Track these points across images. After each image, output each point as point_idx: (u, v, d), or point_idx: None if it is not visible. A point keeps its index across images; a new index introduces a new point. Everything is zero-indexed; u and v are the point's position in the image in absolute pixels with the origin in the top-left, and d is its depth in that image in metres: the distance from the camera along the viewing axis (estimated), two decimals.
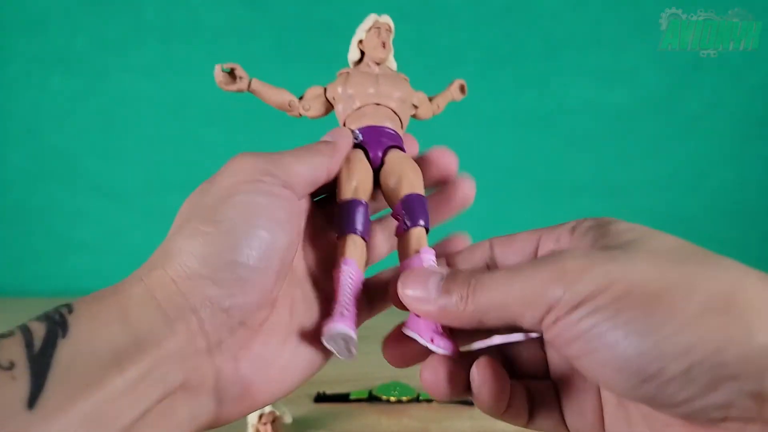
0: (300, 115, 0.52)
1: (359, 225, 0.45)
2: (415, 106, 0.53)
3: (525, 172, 1.49)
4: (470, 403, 0.86)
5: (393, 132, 0.49)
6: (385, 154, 0.48)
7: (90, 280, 1.46)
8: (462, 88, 0.56)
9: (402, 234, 0.45)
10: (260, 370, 0.40)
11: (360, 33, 0.51)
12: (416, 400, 0.88)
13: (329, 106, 0.52)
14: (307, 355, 0.43)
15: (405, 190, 0.46)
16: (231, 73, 0.49)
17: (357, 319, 0.42)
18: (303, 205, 0.46)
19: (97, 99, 1.43)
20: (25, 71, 1.41)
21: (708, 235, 1.54)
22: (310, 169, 0.43)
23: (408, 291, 0.38)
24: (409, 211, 0.45)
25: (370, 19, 0.51)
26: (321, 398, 0.89)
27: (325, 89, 0.51)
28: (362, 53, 0.51)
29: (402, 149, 0.49)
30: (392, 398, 0.87)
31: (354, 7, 1.40)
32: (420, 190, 0.46)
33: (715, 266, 0.32)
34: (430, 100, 0.55)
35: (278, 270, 0.40)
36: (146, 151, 1.45)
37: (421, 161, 0.49)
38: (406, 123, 0.51)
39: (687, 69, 1.45)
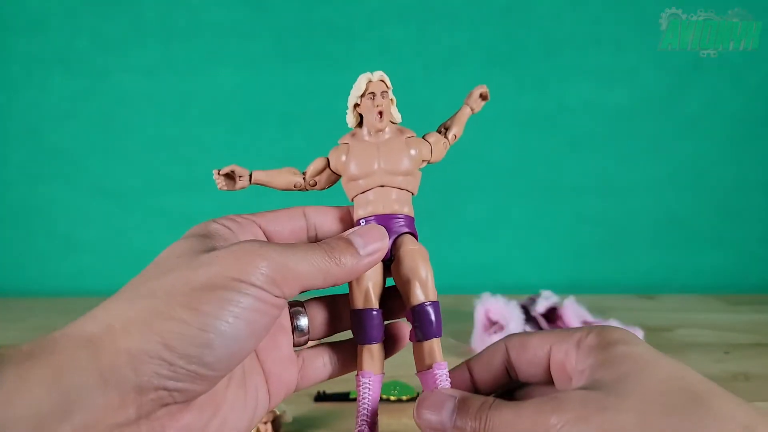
0: (308, 190, 0.51)
1: (374, 334, 0.46)
2: (426, 160, 0.50)
3: (525, 172, 1.50)
4: None
5: (401, 217, 0.48)
6: (395, 242, 0.47)
7: (91, 280, 1.47)
8: (483, 96, 0.51)
9: (415, 343, 0.46)
10: None
11: (354, 98, 0.48)
12: (416, 399, 0.88)
13: (336, 176, 0.50)
14: (234, 428, 0.42)
15: (416, 297, 0.45)
16: (229, 176, 0.48)
17: (377, 426, 0.46)
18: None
19: (97, 99, 1.43)
20: (25, 71, 1.42)
21: (708, 235, 1.55)
22: (320, 281, 0.40)
23: (424, 416, 0.40)
24: (420, 324, 0.45)
25: (362, 81, 0.47)
26: (321, 397, 0.89)
27: (327, 160, 0.49)
28: (361, 115, 0.49)
29: (413, 233, 0.48)
30: (392, 397, 0.87)
31: (353, 7, 1.40)
32: (430, 291, 0.46)
33: (702, 420, 0.33)
34: (446, 129, 0.51)
35: (234, 368, 0.39)
36: (147, 151, 1.46)
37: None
38: (416, 187, 0.50)
39: (687, 69, 1.45)
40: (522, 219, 1.52)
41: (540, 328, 1.05)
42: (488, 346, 0.47)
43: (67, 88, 1.42)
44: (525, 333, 0.46)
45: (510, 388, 0.48)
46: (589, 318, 1.06)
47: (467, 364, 0.47)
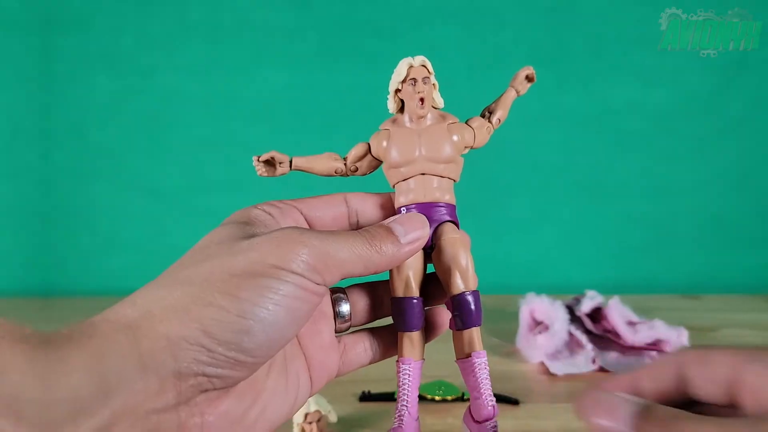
0: (349, 176, 0.51)
1: (414, 321, 0.47)
2: (469, 146, 0.49)
3: (570, 172, 1.49)
4: (514, 402, 0.85)
5: (443, 206, 0.48)
6: (435, 230, 0.47)
7: (133, 279, 1.47)
8: (529, 78, 0.50)
9: (455, 331, 0.47)
10: (226, 427, 0.38)
11: (395, 83, 0.48)
12: (461, 399, 0.88)
13: (377, 162, 0.50)
14: (274, 415, 0.42)
15: (456, 286, 0.45)
16: (269, 162, 0.49)
17: (416, 413, 0.46)
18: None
19: (142, 98, 1.45)
20: (71, 70, 1.44)
21: (752, 234, 1.53)
22: (361, 269, 0.40)
23: (596, 420, 0.35)
24: (460, 313, 0.46)
25: (403, 66, 0.47)
26: (366, 397, 0.89)
27: (368, 146, 0.50)
28: (402, 101, 0.48)
29: (454, 222, 0.48)
30: (437, 397, 0.87)
31: (398, 6, 1.40)
32: (470, 280, 0.46)
33: None
34: (489, 113, 0.50)
35: (274, 354, 0.38)
36: (190, 150, 1.47)
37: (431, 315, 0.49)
38: (458, 174, 0.49)
39: (731, 69, 1.44)
40: (566, 217, 1.51)
41: (585, 328, 1.04)
42: (660, 358, 0.41)
43: (112, 86, 1.44)
44: (705, 347, 0.38)
45: (677, 405, 0.39)
46: (635, 318, 1.06)
47: (632, 374, 0.41)
